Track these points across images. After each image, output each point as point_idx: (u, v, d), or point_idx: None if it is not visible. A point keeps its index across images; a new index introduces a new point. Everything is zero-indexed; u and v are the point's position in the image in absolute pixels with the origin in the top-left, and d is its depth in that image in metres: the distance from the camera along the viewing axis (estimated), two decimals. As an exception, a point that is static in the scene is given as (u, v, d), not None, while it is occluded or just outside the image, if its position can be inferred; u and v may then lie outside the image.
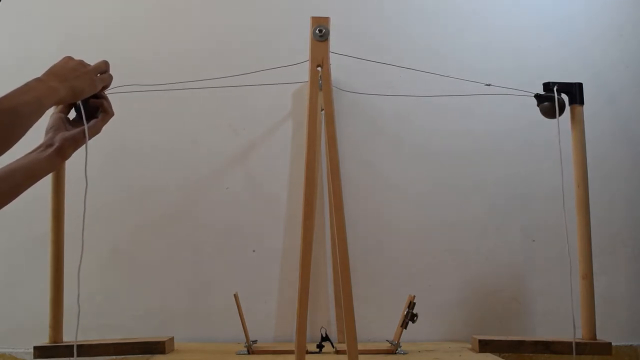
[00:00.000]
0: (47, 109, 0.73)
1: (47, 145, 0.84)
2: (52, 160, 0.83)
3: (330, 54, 1.04)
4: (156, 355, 1.14)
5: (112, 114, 0.92)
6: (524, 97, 1.20)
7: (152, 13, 1.45)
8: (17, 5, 1.44)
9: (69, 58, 0.83)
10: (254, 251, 1.39)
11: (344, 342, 1.14)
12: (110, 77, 0.90)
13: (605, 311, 1.36)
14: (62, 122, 0.88)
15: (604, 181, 1.42)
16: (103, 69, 0.88)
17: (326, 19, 1.03)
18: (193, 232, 1.38)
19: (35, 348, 1.10)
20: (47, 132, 0.87)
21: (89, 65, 0.85)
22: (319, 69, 1.03)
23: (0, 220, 1.35)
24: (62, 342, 1.11)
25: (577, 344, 1.11)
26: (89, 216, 1.33)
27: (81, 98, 0.82)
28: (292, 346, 1.00)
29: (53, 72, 0.77)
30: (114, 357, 1.16)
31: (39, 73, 0.75)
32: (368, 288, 1.37)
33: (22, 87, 0.70)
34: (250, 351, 1.19)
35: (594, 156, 1.28)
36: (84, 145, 0.88)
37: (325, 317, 1.36)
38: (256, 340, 1.26)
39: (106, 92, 0.93)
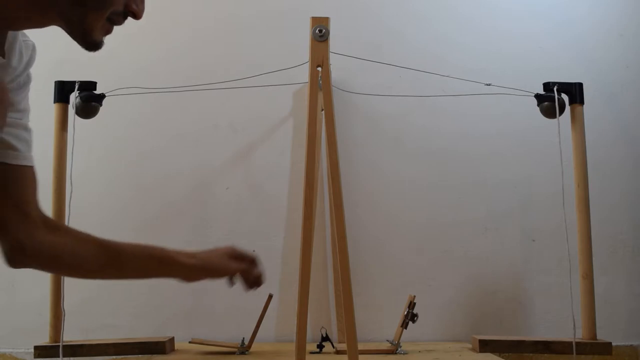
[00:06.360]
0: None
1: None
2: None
3: (330, 54, 1.04)
4: (156, 355, 1.14)
5: None
6: (524, 97, 1.20)
7: (153, 15, 1.45)
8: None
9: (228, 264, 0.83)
10: (254, 251, 1.38)
11: (344, 342, 1.14)
12: None
13: (605, 311, 1.36)
14: None
15: (604, 181, 1.42)
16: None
17: (326, 19, 1.03)
18: (193, 232, 1.38)
19: (35, 348, 1.10)
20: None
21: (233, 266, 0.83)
22: (319, 69, 1.03)
23: (1, 220, 1.35)
24: (62, 342, 1.11)
25: (577, 344, 1.11)
26: (90, 216, 1.35)
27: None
28: (292, 346, 1.00)
29: (204, 268, 0.79)
30: (114, 357, 1.16)
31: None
32: (368, 288, 1.37)
33: (169, 263, 0.75)
34: (250, 351, 1.19)
35: (594, 156, 1.28)
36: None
37: (325, 317, 1.36)
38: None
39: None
